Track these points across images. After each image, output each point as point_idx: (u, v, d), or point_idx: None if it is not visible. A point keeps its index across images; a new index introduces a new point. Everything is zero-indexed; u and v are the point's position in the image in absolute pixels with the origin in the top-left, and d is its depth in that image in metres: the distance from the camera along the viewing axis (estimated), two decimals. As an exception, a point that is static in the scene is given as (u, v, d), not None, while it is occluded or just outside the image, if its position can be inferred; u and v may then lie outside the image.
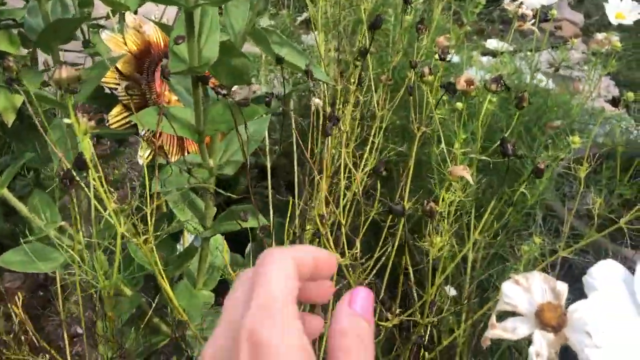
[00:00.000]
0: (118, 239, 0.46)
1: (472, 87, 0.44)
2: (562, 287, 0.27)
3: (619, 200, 0.97)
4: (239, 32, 0.66)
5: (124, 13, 0.85)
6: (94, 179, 0.42)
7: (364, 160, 0.84)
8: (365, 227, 0.60)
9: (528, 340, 0.26)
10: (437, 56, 0.49)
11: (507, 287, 0.27)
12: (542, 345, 0.25)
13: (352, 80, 0.67)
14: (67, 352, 0.67)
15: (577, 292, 0.29)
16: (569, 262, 0.90)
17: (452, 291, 0.95)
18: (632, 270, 0.30)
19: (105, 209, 0.45)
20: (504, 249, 0.93)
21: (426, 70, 0.47)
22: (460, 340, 0.91)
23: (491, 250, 0.95)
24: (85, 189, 0.44)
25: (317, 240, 0.85)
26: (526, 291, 0.27)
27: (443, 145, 0.45)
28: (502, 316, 0.27)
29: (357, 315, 0.28)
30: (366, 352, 0.27)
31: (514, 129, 0.97)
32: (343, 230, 0.67)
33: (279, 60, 0.55)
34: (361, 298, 0.29)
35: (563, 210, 1.01)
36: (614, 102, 0.50)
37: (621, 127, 0.98)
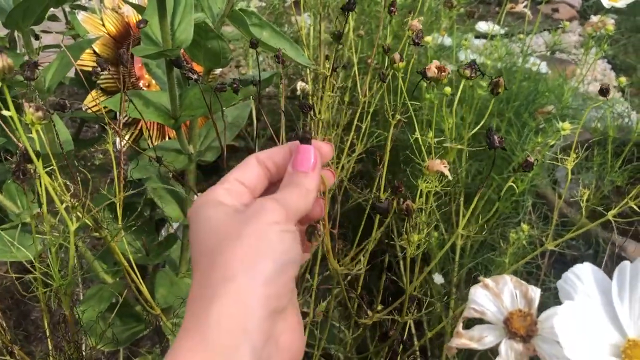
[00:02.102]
0: (71, 236, 0.44)
1: (443, 74, 0.42)
2: (534, 293, 0.25)
3: (611, 187, 0.95)
4: (217, 14, 0.64)
5: (104, -7, 0.82)
6: (47, 172, 0.39)
7: (348, 145, 0.82)
8: (342, 213, 0.59)
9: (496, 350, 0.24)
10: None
11: (475, 291, 0.25)
12: (509, 356, 0.23)
13: (331, 65, 0.65)
14: (49, 342, 0.66)
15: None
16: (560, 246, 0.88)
17: (439, 279, 0.94)
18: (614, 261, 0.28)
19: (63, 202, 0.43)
20: (492, 237, 0.91)
21: (397, 56, 0.44)
22: (449, 329, 0.90)
23: (480, 237, 0.93)
24: (41, 182, 0.42)
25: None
26: (496, 296, 0.25)
27: (417, 133, 0.43)
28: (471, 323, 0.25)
29: (296, 172, 0.36)
30: (301, 196, 0.35)
31: (505, 114, 0.95)
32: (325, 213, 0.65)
33: (253, 45, 0.52)
34: (300, 156, 0.36)
35: (553, 196, 0.99)
36: (603, 92, 0.47)
37: (612, 112, 0.96)
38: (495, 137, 0.40)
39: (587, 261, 0.90)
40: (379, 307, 0.48)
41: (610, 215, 0.49)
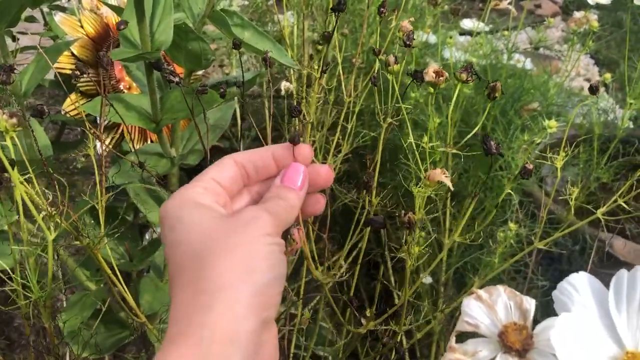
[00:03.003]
0: (49, 246, 0.43)
1: (441, 78, 0.41)
2: (529, 304, 0.24)
3: (597, 184, 0.95)
4: (198, 14, 0.63)
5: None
6: (21, 181, 0.38)
7: (333, 146, 0.81)
8: (332, 215, 0.58)
9: None
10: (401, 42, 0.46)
11: (468, 303, 0.25)
12: (505, 371, 0.22)
13: (317, 66, 0.64)
14: (31, 351, 0.64)
15: (557, 275, 0.26)
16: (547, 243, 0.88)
17: (427, 279, 0.93)
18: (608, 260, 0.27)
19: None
20: (479, 236, 0.91)
21: (391, 59, 0.43)
22: (437, 328, 0.89)
23: (467, 237, 0.93)
24: (18, 191, 0.40)
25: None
26: (489, 308, 0.24)
27: (411, 137, 0.42)
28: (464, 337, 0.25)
29: (284, 187, 0.36)
30: (286, 211, 0.35)
31: (490, 113, 0.95)
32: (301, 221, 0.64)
33: (236, 46, 0.51)
34: (290, 172, 0.37)
35: (540, 194, 0.99)
36: (592, 90, 0.47)
37: (598, 109, 0.96)
38: (492, 143, 0.39)
39: (574, 258, 0.90)
40: (371, 314, 0.47)
41: (599, 213, 0.48)
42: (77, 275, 0.79)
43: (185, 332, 0.29)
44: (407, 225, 0.39)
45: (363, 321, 0.45)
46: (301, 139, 0.37)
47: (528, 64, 1.10)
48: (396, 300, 0.81)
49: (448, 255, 0.91)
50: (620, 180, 0.96)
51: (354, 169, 1.09)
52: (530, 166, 0.39)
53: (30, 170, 0.43)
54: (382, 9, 0.50)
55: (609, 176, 0.92)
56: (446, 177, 0.39)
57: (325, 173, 0.38)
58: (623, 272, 0.24)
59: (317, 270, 0.49)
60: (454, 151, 0.41)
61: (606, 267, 0.88)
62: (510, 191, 0.82)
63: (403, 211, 0.39)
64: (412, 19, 0.45)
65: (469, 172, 0.95)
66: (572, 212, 0.56)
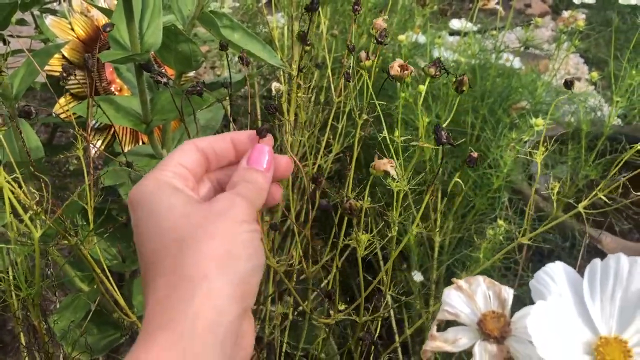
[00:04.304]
0: (35, 244, 0.43)
1: (406, 72, 0.41)
2: (507, 293, 0.25)
3: (585, 181, 0.96)
4: (187, 16, 0.63)
5: (72, -4, 0.80)
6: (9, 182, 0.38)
7: (323, 145, 0.82)
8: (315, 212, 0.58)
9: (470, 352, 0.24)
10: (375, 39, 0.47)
11: (448, 293, 0.25)
12: (483, 358, 0.23)
13: (297, 66, 0.64)
14: (25, 352, 0.65)
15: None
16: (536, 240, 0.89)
17: (419, 276, 0.94)
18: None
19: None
20: (469, 233, 0.92)
21: (363, 55, 0.44)
22: (429, 325, 0.90)
23: (458, 234, 0.94)
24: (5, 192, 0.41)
25: (275, 231, 0.82)
26: (469, 298, 0.25)
27: (385, 132, 0.43)
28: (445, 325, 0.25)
29: (250, 169, 0.36)
30: (257, 194, 0.35)
31: (479, 111, 0.96)
32: (292, 214, 0.65)
33: (223, 47, 0.52)
34: (255, 153, 0.36)
35: (529, 191, 1.00)
36: (567, 84, 0.48)
37: (585, 107, 0.97)
38: (443, 133, 0.39)
39: (564, 254, 0.91)
40: (340, 306, 0.48)
41: (580, 207, 0.49)
42: (69, 276, 0.79)
43: (167, 324, 0.29)
44: (349, 212, 0.40)
45: (331, 313, 0.46)
46: (269, 135, 0.37)
47: (516, 63, 1.11)
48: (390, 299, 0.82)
49: (439, 253, 0.92)
50: (608, 176, 0.97)
51: (345, 168, 1.10)
52: (475, 154, 0.40)
53: (17, 171, 0.43)
54: (356, 7, 0.51)
55: (597, 173, 0.93)
56: (392, 166, 0.40)
57: (285, 163, 0.38)
58: (597, 262, 0.25)
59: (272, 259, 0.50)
60: (427, 145, 0.42)
61: (595, 262, 0.89)
62: (499, 188, 0.83)
63: (345, 198, 0.40)
64: (386, 17, 0.46)
65: (458, 171, 0.96)
66: (556, 207, 0.57)
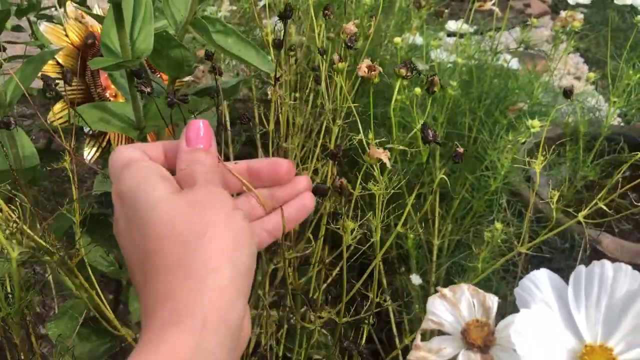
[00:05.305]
0: (13, 263, 0.43)
1: (373, 72, 0.41)
2: (492, 301, 0.24)
3: (584, 182, 0.96)
4: (180, 21, 0.63)
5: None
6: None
7: (318, 149, 0.82)
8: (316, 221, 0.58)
9: None
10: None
11: (433, 302, 0.25)
12: (467, 368, 0.23)
13: (287, 70, 0.64)
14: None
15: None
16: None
17: (417, 279, 0.94)
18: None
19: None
20: (467, 236, 0.91)
21: (335, 57, 0.44)
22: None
23: (456, 237, 0.93)
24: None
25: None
26: (453, 306, 0.25)
27: (361, 134, 0.43)
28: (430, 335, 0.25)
29: (192, 150, 0.34)
30: (212, 173, 0.34)
31: (476, 113, 0.95)
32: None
33: (209, 57, 0.52)
34: (192, 132, 0.35)
35: (528, 193, 0.99)
36: (566, 93, 0.48)
37: (583, 107, 0.97)
38: (430, 131, 0.39)
39: (563, 256, 0.90)
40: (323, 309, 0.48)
41: (581, 216, 0.49)
42: (66, 283, 0.79)
43: (177, 320, 0.28)
44: (339, 190, 0.40)
45: (312, 317, 0.46)
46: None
47: (514, 64, 1.10)
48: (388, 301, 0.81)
49: (437, 256, 0.92)
50: (606, 178, 0.96)
51: (344, 172, 1.09)
52: (461, 150, 0.40)
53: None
54: (326, 12, 0.52)
55: (595, 174, 0.93)
56: (386, 155, 0.40)
57: (287, 166, 0.37)
58: (581, 269, 0.25)
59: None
60: (402, 147, 0.42)
61: (594, 264, 0.89)
62: (496, 190, 0.82)
63: (337, 177, 0.40)
64: (357, 21, 0.46)
65: (456, 173, 0.96)
66: (555, 215, 0.57)
